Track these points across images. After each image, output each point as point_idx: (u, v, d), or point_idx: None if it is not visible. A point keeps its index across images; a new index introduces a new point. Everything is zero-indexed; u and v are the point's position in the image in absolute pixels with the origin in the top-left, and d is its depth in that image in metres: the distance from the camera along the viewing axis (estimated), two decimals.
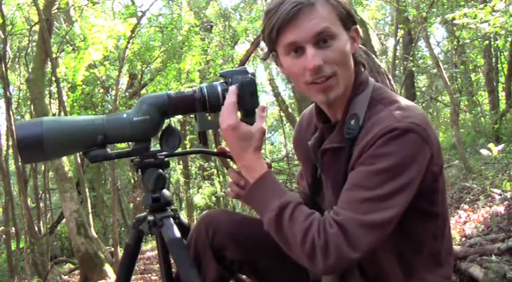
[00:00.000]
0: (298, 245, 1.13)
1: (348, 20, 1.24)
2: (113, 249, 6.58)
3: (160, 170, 1.39)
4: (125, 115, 1.34)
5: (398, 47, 11.10)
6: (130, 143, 1.41)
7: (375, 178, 1.13)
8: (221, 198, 12.14)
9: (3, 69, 6.72)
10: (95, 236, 6.76)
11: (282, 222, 1.16)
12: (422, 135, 1.15)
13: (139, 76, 9.29)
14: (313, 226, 1.13)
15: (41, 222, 8.89)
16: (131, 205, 12.33)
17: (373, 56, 2.75)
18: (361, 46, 2.91)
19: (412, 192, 1.15)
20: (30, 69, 7.96)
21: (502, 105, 9.18)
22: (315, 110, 1.39)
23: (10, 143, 8.24)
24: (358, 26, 1.29)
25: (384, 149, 1.14)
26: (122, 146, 6.81)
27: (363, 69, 1.33)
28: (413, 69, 10.30)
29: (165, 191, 1.41)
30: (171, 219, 1.40)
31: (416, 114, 1.19)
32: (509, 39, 8.02)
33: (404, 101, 1.25)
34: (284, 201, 1.18)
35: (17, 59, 10.32)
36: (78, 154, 6.72)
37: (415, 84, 12.25)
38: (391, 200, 1.13)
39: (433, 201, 1.26)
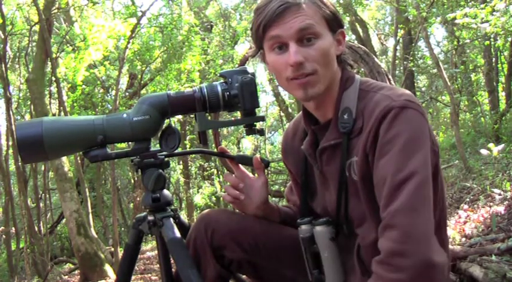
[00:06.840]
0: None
1: (334, 22, 1.28)
2: (113, 249, 6.58)
3: (160, 170, 1.39)
4: (124, 115, 1.35)
5: (398, 47, 11.10)
6: (130, 143, 1.42)
7: (400, 158, 1.13)
8: (221, 198, 12.11)
9: (3, 69, 6.72)
10: (95, 236, 6.76)
11: None
12: (419, 110, 1.18)
13: (139, 76, 9.30)
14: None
15: (41, 222, 8.87)
16: (131, 205, 12.33)
17: (373, 56, 2.76)
18: (361, 46, 2.92)
19: (430, 164, 1.15)
20: (30, 69, 7.96)
21: (502, 105, 9.16)
22: (303, 114, 1.40)
23: (10, 143, 8.23)
24: (344, 30, 1.32)
25: (392, 131, 1.15)
26: (122, 146, 6.81)
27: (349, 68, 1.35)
28: (413, 69, 10.29)
29: (165, 191, 1.41)
30: (171, 219, 1.41)
31: (408, 93, 1.23)
32: (509, 39, 8.01)
33: (393, 86, 1.29)
34: None
35: (17, 59, 10.31)
36: (78, 154, 6.73)
37: (415, 84, 12.25)
38: (423, 174, 1.11)
39: (434, 189, 1.23)
